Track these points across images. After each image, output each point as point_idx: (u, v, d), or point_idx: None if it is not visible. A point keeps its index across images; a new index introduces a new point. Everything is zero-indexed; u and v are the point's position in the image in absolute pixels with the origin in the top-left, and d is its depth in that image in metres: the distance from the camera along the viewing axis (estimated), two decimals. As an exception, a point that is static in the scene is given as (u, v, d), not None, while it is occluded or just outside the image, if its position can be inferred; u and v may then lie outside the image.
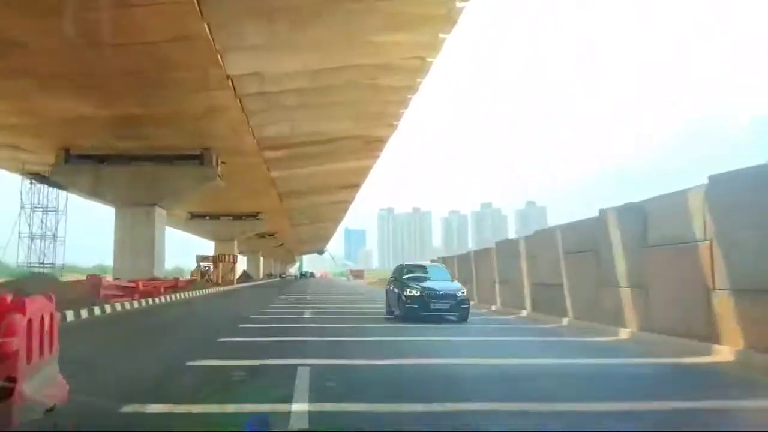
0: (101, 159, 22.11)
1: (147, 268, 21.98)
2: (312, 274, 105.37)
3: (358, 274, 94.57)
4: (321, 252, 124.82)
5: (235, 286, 32.28)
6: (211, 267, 35.78)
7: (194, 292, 21.68)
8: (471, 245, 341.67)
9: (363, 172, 34.61)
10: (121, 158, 22.17)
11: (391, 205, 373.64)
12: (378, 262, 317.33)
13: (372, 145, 27.15)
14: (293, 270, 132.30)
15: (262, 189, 33.23)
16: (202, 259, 31.00)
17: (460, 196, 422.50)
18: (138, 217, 22.21)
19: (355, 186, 39.68)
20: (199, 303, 16.67)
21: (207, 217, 43.84)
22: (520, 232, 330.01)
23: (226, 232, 44.12)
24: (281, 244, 78.13)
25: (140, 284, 15.42)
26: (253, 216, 44.12)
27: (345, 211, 55.50)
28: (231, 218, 44.06)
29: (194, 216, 43.60)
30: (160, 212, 22.87)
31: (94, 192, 22.80)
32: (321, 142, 24.29)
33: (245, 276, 59.55)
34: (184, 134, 20.43)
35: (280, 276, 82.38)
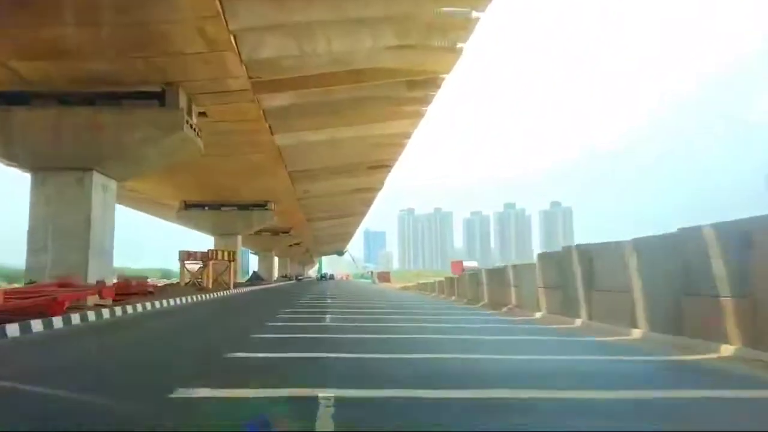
0: (11, 98, 14.36)
1: (78, 264, 14.17)
2: (332, 276, 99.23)
3: (384, 277, 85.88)
4: (341, 253, 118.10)
5: (231, 292, 24.32)
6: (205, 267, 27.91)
7: (146, 305, 13.81)
8: (494, 247, 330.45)
9: (398, 144, 26.41)
10: (41, 98, 14.42)
11: (412, 206, 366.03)
12: (398, 264, 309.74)
13: (420, 93, 18.95)
14: (312, 272, 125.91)
15: (266, 165, 25.31)
16: (187, 256, 23.16)
17: (482, 196, 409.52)
18: (65, 186, 14.37)
19: (386, 166, 31.51)
20: (105, 340, 8.44)
21: (206, 207, 36.12)
22: (545, 233, 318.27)
23: (228, 224, 36.23)
24: (298, 243, 70.88)
25: (-2, 296, 7.58)
26: (261, 206, 36.29)
27: (370, 203, 47.27)
28: (235, 208, 36.24)
29: (189, 205, 35.93)
30: (102, 181, 15.01)
31: (2, 149, 14.99)
32: (344, 78, 16.22)
33: (254, 277, 51.86)
34: (124, 46, 12.53)
35: (296, 278, 74.68)
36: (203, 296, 20.03)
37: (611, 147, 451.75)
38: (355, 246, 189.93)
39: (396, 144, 26.24)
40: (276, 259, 73.15)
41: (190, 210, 36.05)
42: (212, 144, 21.24)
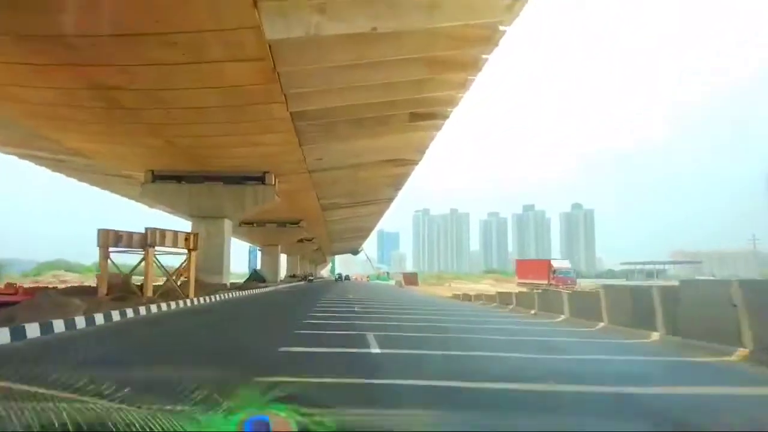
0: None
1: None
2: (347, 277, 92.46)
3: (410, 280, 74.29)
4: (356, 252, 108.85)
5: (185, 305, 14.08)
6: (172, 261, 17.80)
7: None
8: (511, 250, 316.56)
9: (471, 63, 16.10)
10: None
11: (427, 207, 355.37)
12: (412, 266, 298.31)
13: None
14: (324, 272, 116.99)
15: (253, 91, 15.29)
16: (113, 239, 12.85)
17: (499, 197, 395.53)
18: None
19: (437, 117, 21.31)
20: None
21: (182, 181, 26.25)
22: (566, 236, 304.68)
23: (211, 204, 26.24)
24: (310, 239, 61.10)
25: None
26: (257, 179, 26.31)
27: (400, 185, 36.73)
28: (221, 183, 26.27)
29: (158, 177, 26.07)
30: None
31: None
32: None
33: (254, 277, 42.06)
34: None
35: (306, 279, 64.81)
36: (111, 318, 9.94)
37: (633, 148, 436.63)
38: (369, 247, 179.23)
39: (467, 64, 15.93)
40: (283, 256, 63.55)
41: (160, 183, 26.09)
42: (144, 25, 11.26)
